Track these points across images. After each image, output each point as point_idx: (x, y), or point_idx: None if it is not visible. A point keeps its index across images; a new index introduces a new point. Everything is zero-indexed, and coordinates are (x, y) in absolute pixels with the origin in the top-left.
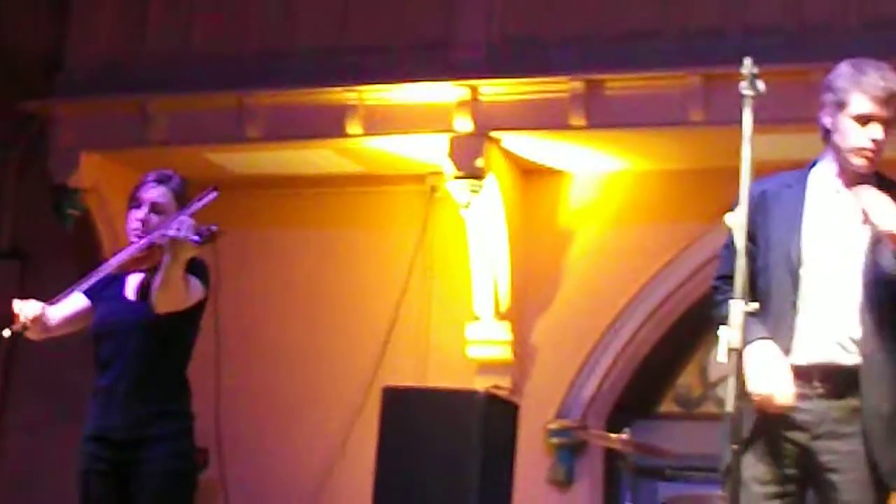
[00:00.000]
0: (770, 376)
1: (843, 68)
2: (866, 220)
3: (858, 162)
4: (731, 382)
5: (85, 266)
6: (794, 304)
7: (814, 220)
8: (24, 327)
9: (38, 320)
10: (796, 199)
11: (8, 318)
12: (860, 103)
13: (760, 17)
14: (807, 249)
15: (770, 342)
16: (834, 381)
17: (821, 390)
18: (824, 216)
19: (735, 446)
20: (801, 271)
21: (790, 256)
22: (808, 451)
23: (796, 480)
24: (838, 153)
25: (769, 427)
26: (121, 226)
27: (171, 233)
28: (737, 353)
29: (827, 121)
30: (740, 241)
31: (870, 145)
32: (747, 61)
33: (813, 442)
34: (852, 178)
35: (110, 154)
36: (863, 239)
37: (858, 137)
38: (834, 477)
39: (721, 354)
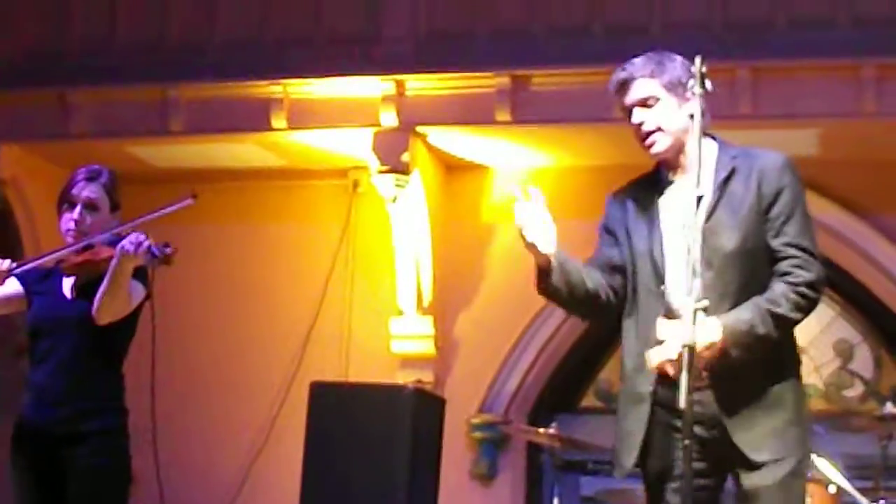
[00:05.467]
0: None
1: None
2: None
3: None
4: (684, 378)
5: (4, 257)
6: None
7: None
8: None
9: (3, 278)
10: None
11: None
12: None
13: (684, 14)
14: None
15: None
16: (713, 367)
17: (707, 380)
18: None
19: (686, 441)
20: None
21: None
22: (711, 443)
23: (706, 475)
24: None
25: (666, 423)
26: (40, 218)
27: (127, 247)
28: (689, 350)
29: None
30: (697, 247)
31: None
32: (698, 60)
33: (711, 431)
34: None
35: (30, 146)
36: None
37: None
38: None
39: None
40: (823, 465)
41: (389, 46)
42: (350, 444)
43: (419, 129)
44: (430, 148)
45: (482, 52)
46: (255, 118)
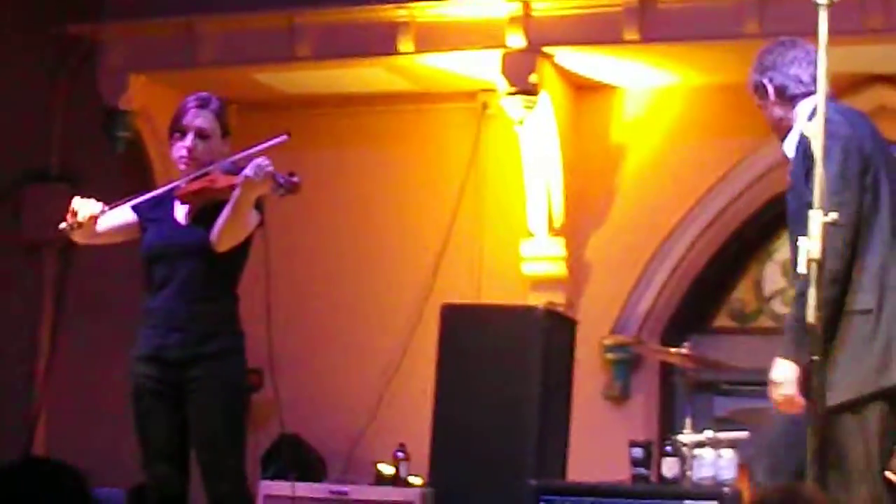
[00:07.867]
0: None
1: None
2: None
3: None
4: (812, 293)
5: (135, 188)
6: None
7: None
8: (80, 224)
9: (95, 220)
10: None
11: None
12: None
13: None
14: None
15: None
16: None
17: None
18: None
19: (816, 357)
20: None
21: None
22: None
23: None
24: None
25: None
26: (169, 147)
27: (250, 174)
28: (817, 264)
29: None
30: (817, 150)
31: None
32: None
33: None
34: None
35: (159, 75)
36: None
37: None
38: None
39: (801, 265)
40: None
41: None
42: (481, 365)
43: (546, 49)
44: (557, 69)
45: None
46: (382, 42)
